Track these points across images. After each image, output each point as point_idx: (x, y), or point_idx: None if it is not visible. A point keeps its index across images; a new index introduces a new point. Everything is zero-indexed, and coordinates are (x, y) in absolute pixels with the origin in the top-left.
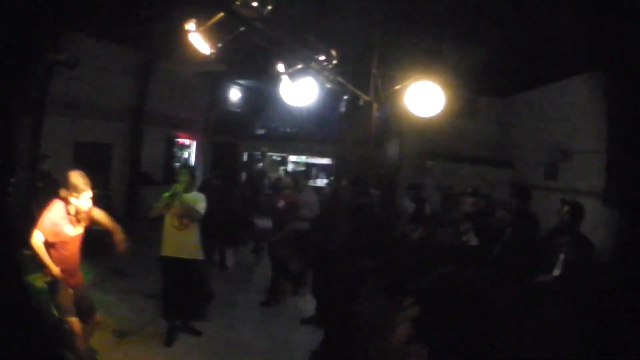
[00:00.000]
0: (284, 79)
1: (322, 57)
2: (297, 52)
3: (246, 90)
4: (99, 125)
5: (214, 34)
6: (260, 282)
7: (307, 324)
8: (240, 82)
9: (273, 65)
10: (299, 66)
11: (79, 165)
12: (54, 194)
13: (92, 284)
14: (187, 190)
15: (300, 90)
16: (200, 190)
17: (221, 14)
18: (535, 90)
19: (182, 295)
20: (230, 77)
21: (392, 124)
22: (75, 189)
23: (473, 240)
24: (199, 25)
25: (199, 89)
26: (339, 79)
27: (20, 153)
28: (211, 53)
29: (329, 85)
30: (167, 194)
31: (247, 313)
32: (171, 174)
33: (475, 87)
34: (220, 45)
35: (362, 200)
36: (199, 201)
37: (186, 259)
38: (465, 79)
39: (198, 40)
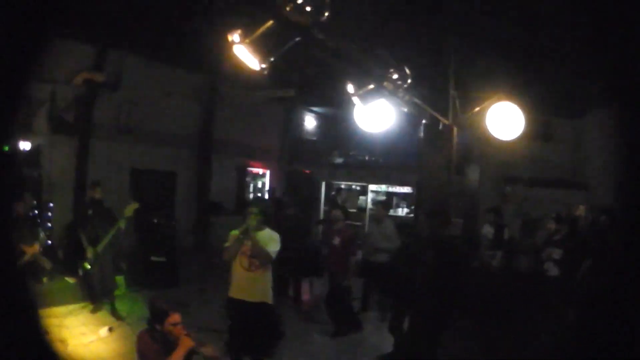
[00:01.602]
0: (356, 101)
1: (395, 76)
2: (367, 69)
3: (321, 118)
4: (160, 152)
5: (263, 45)
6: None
7: None
8: (314, 109)
9: (342, 86)
10: (371, 86)
11: (135, 193)
12: (106, 222)
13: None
14: (259, 227)
15: (374, 114)
16: (274, 218)
17: (270, 22)
18: (605, 109)
19: (250, 336)
20: (303, 103)
21: (472, 148)
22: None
23: (553, 270)
24: (245, 36)
25: (271, 116)
26: (416, 100)
27: (65, 179)
28: (262, 68)
29: (404, 109)
30: (235, 232)
31: (320, 349)
32: (244, 204)
33: (548, 108)
34: (272, 59)
35: (443, 232)
36: (272, 241)
37: (254, 302)
38: (539, 100)
39: (245, 54)
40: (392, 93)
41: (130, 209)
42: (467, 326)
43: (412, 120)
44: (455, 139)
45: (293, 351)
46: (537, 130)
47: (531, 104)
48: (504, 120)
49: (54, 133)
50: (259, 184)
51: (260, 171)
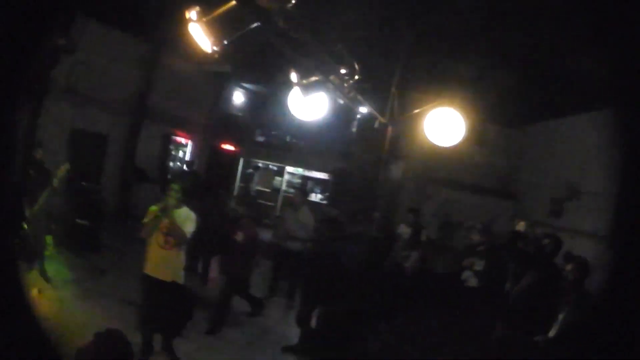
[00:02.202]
0: (295, 89)
1: (343, 71)
2: (318, 61)
3: (250, 95)
4: (100, 116)
5: (220, 27)
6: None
7: (289, 353)
8: (245, 85)
9: (285, 72)
10: (315, 78)
11: (70, 154)
12: (44, 183)
13: (70, 281)
14: (178, 205)
15: (310, 103)
16: (194, 188)
17: (232, 3)
18: (548, 122)
19: (160, 314)
20: (236, 79)
21: (398, 145)
22: None
23: (472, 280)
24: (202, 14)
25: (203, 88)
26: (359, 97)
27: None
28: (213, 51)
29: (342, 101)
30: (155, 208)
31: (228, 334)
32: (164, 172)
33: (486, 114)
34: (226, 42)
35: (366, 229)
36: (188, 220)
37: (166, 281)
38: (478, 105)
39: (199, 33)
40: (337, 87)
41: (63, 169)
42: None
43: (344, 113)
44: (388, 138)
45: (204, 337)
46: (471, 135)
47: (471, 107)
48: (443, 126)
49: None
50: (180, 154)
51: (184, 141)
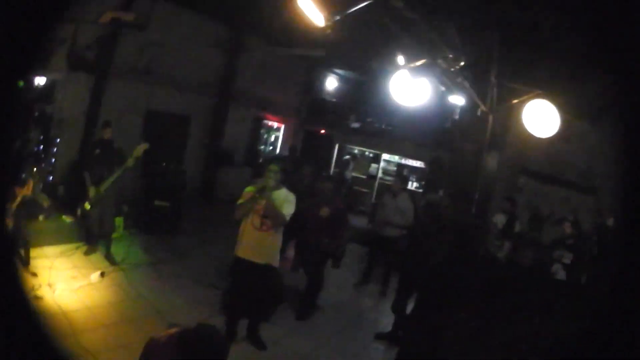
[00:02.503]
0: (398, 73)
1: (451, 55)
2: (428, 43)
3: (343, 81)
4: (178, 97)
5: (332, 1)
6: (339, 285)
7: (381, 340)
8: (337, 70)
9: (391, 55)
10: (423, 61)
11: (147, 135)
12: (114, 163)
13: (148, 264)
14: (277, 186)
15: (414, 89)
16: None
17: None
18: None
19: (251, 298)
20: (328, 64)
21: (496, 135)
22: None
23: (560, 273)
24: None
25: (293, 73)
26: (465, 83)
27: (77, 116)
28: (326, 26)
29: (443, 88)
30: (251, 189)
31: (319, 319)
32: (255, 156)
33: (572, 109)
34: (338, 17)
35: (465, 216)
36: (287, 202)
37: (261, 264)
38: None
39: (310, 7)
40: (444, 72)
41: (140, 149)
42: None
43: (441, 100)
44: (490, 126)
45: (287, 320)
46: (560, 130)
47: (564, 101)
48: (540, 117)
49: (72, 70)
50: (272, 138)
51: (275, 125)
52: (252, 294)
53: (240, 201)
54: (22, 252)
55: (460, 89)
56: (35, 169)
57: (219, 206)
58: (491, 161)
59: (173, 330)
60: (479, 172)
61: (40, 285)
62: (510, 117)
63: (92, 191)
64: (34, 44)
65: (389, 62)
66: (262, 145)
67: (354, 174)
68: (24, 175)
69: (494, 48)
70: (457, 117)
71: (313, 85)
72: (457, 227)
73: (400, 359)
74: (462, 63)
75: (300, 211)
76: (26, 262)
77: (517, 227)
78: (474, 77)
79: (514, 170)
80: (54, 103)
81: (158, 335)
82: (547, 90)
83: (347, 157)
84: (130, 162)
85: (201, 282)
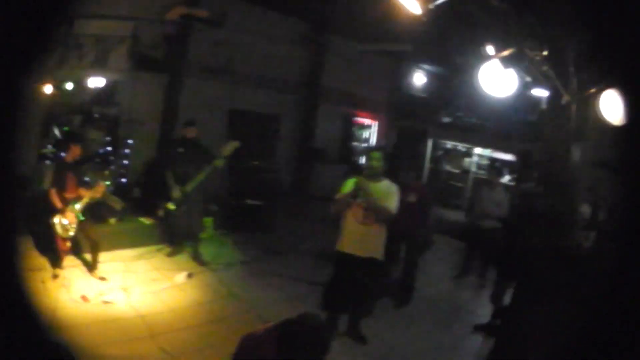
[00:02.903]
0: (487, 64)
1: (535, 43)
2: (516, 31)
3: (430, 76)
4: (262, 96)
5: None
6: (438, 278)
7: (480, 331)
8: (424, 66)
9: (479, 46)
10: (512, 50)
11: (233, 134)
12: (201, 161)
13: (240, 263)
14: (378, 178)
15: (503, 79)
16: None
17: None
18: None
19: (353, 293)
20: (415, 59)
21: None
22: None
23: None
24: None
25: (380, 70)
26: (550, 72)
27: (147, 116)
28: (422, 14)
29: (528, 78)
30: (351, 182)
31: (419, 312)
32: (348, 153)
33: None
34: (432, 6)
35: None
36: (391, 195)
37: (364, 258)
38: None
39: None
40: (531, 60)
41: (230, 148)
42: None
43: (528, 92)
44: (574, 116)
45: (387, 312)
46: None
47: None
48: (616, 106)
49: (137, 70)
50: (366, 134)
51: (368, 121)
52: (355, 289)
53: (337, 196)
54: (90, 256)
55: (545, 78)
56: (105, 171)
57: (313, 203)
58: (575, 151)
59: (270, 324)
60: (567, 161)
61: (111, 290)
62: (590, 106)
63: (176, 191)
64: (34, 44)
65: (475, 54)
66: (355, 141)
67: (447, 169)
68: (88, 178)
69: (576, 38)
70: (544, 107)
71: (401, 81)
72: (552, 216)
73: (497, 349)
74: (545, 52)
75: None
76: (93, 266)
77: (601, 218)
78: (556, 66)
79: (595, 160)
80: (118, 104)
81: (255, 330)
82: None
83: (441, 152)
84: (219, 161)
85: (297, 279)
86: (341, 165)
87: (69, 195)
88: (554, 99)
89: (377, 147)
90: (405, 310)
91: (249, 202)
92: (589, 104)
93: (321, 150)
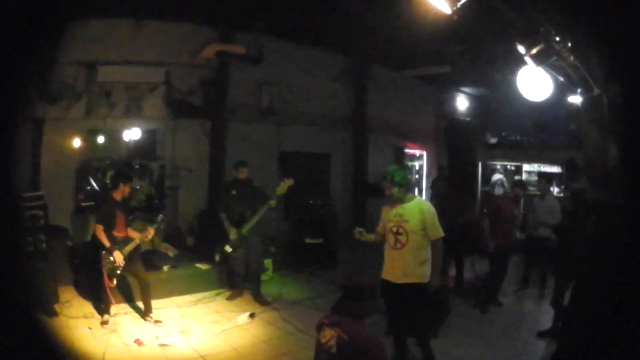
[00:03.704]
0: (524, 69)
1: (559, 37)
2: (541, 26)
3: (471, 98)
4: (309, 134)
5: None
6: (500, 292)
7: (544, 337)
8: (464, 89)
9: (511, 48)
10: (541, 46)
11: (285, 176)
12: (256, 201)
13: (304, 300)
14: (403, 198)
15: (538, 82)
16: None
17: None
18: None
19: (407, 317)
20: (454, 84)
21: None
22: None
23: None
24: None
25: (422, 97)
26: (578, 64)
27: (194, 163)
28: (452, 12)
29: (559, 77)
30: (386, 210)
31: (483, 326)
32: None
33: None
34: (460, 3)
35: (607, 199)
36: (423, 214)
37: (400, 283)
38: None
39: None
40: (559, 54)
41: (284, 186)
42: None
43: (562, 90)
44: (606, 107)
45: (450, 327)
46: None
47: None
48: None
49: (175, 117)
50: (417, 166)
51: (417, 152)
52: (405, 314)
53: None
54: (142, 300)
55: (574, 72)
56: (158, 220)
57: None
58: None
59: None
60: (607, 153)
61: (168, 334)
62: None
63: (232, 233)
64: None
65: (511, 67)
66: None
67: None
68: (133, 222)
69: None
70: (578, 104)
71: (445, 107)
72: (604, 211)
73: (561, 351)
74: (570, 44)
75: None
76: (147, 309)
77: None
78: (582, 59)
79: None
80: (160, 158)
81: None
82: None
83: (496, 178)
84: (273, 201)
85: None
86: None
87: (117, 233)
88: (585, 93)
89: (389, 171)
90: (471, 326)
91: (308, 240)
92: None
93: (375, 184)
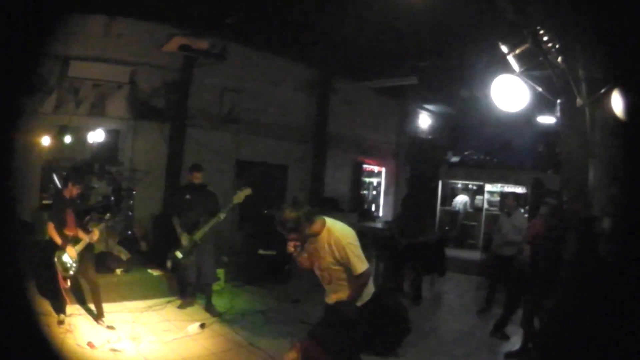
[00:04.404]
0: (499, 78)
1: (546, 37)
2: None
3: (436, 117)
4: (268, 144)
5: None
6: (464, 314)
7: (512, 359)
8: (427, 106)
9: (493, 46)
10: (526, 45)
11: (241, 185)
12: (209, 208)
13: (256, 313)
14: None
15: (515, 90)
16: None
17: None
18: None
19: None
20: (419, 101)
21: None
22: None
23: None
24: None
25: (386, 114)
26: (568, 70)
27: (152, 166)
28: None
29: (539, 89)
30: None
31: (446, 347)
32: (359, 202)
33: None
34: None
35: (586, 214)
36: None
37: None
38: None
39: None
40: (545, 56)
41: (242, 195)
42: None
43: (532, 109)
44: (588, 120)
45: (420, 352)
46: None
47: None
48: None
49: (137, 118)
50: (374, 183)
51: (376, 169)
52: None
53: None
54: (93, 302)
55: (558, 76)
56: (105, 218)
57: None
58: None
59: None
60: (586, 167)
61: (119, 339)
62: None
63: (185, 239)
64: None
65: (477, 75)
66: (364, 190)
67: (459, 208)
68: (87, 222)
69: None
70: (557, 114)
71: (407, 124)
72: (584, 224)
73: None
74: (557, 45)
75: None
76: (99, 313)
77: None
78: (568, 62)
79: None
80: (121, 162)
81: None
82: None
83: (460, 199)
84: (224, 212)
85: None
86: (352, 214)
87: (68, 232)
88: (566, 103)
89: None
90: (433, 346)
91: (261, 252)
92: (598, 105)
93: (331, 199)
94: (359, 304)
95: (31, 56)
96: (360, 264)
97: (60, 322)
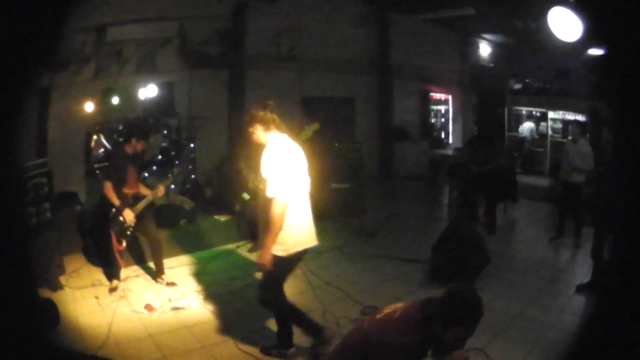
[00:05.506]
0: (554, 10)
1: None
2: None
3: (494, 46)
4: (332, 80)
5: None
6: (536, 243)
7: (583, 291)
8: (486, 36)
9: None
10: None
11: (310, 119)
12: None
13: (331, 249)
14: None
15: (569, 20)
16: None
17: None
18: None
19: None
20: (478, 31)
21: None
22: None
23: None
24: None
25: (446, 44)
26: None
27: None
28: None
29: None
30: None
31: (521, 278)
32: (428, 130)
33: None
34: None
35: None
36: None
37: None
38: None
39: None
40: None
41: (310, 130)
42: None
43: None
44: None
45: (496, 284)
46: None
47: None
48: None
49: (191, 68)
50: (442, 110)
51: (442, 97)
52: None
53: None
54: (153, 261)
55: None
56: (173, 173)
57: (398, 182)
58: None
59: (399, 305)
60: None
61: (182, 295)
62: None
63: (252, 180)
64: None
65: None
66: (432, 118)
67: (525, 135)
68: (146, 179)
69: None
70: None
71: (468, 53)
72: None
73: (603, 307)
74: None
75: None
76: (159, 272)
77: None
78: None
79: None
80: (178, 113)
81: (374, 314)
82: None
83: (527, 125)
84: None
85: (394, 259)
86: (422, 142)
87: (128, 190)
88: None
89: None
90: (508, 277)
91: (334, 185)
92: None
93: (401, 129)
94: (280, 250)
95: (47, 36)
96: (271, 189)
97: (113, 289)
